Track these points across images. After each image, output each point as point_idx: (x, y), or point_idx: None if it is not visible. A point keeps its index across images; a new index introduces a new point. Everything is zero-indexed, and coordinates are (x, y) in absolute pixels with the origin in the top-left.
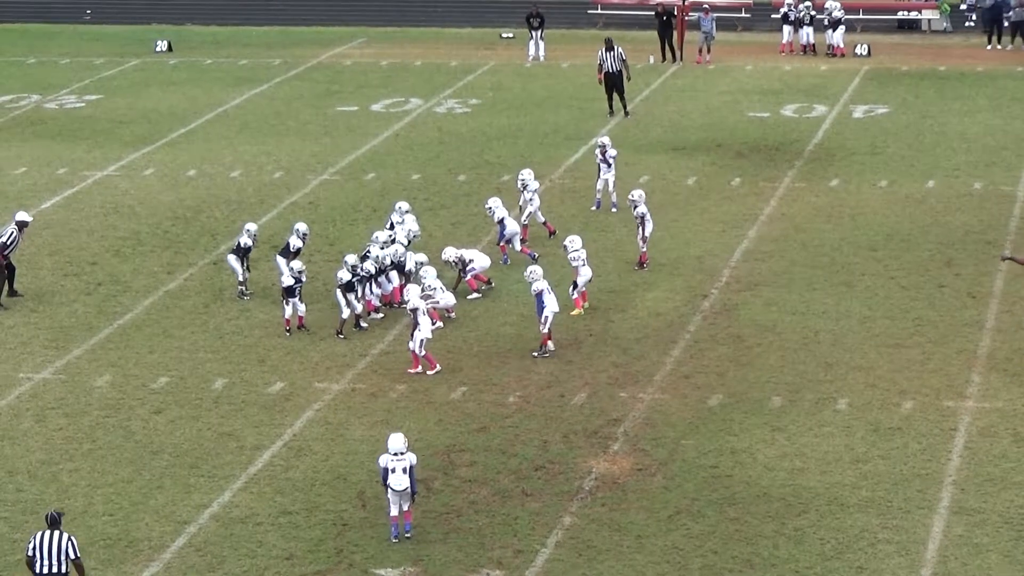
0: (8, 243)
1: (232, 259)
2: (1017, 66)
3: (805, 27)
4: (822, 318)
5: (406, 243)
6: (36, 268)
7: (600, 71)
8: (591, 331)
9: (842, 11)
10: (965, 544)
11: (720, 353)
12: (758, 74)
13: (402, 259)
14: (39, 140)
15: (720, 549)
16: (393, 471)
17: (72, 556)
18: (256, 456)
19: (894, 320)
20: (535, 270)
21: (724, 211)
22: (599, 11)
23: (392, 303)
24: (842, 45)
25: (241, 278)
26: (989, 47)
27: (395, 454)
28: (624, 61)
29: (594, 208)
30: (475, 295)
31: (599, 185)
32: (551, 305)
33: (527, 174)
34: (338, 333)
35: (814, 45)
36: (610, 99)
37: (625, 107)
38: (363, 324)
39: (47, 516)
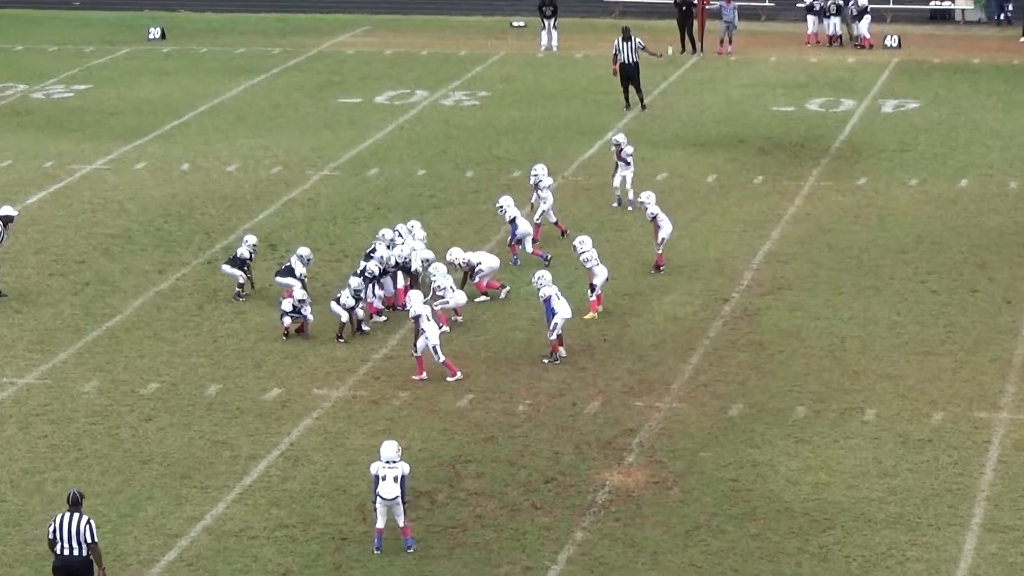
0: None
1: (227, 268)
2: None
3: (831, 17)
4: (849, 324)
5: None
6: (20, 267)
7: (615, 62)
8: (605, 336)
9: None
10: (999, 563)
11: (741, 360)
12: (782, 66)
13: (408, 260)
14: (25, 132)
15: (740, 567)
16: (384, 479)
17: (89, 540)
18: (251, 466)
19: (924, 326)
20: (543, 275)
21: (746, 211)
22: None
23: (395, 306)
24: (869, 36)
25: (241, 280)
26: None
27: (387, 462)
28: (644, 48)
29: (615, 205)
30: (483, 298)
31: (616, 182)
32: (562, 311)
33: (541, 170)
34: (338, 337)
35: (840, 36)
36: (626, 92)
37: (642, 100)
38: (365, 328)
39: (69, 496)
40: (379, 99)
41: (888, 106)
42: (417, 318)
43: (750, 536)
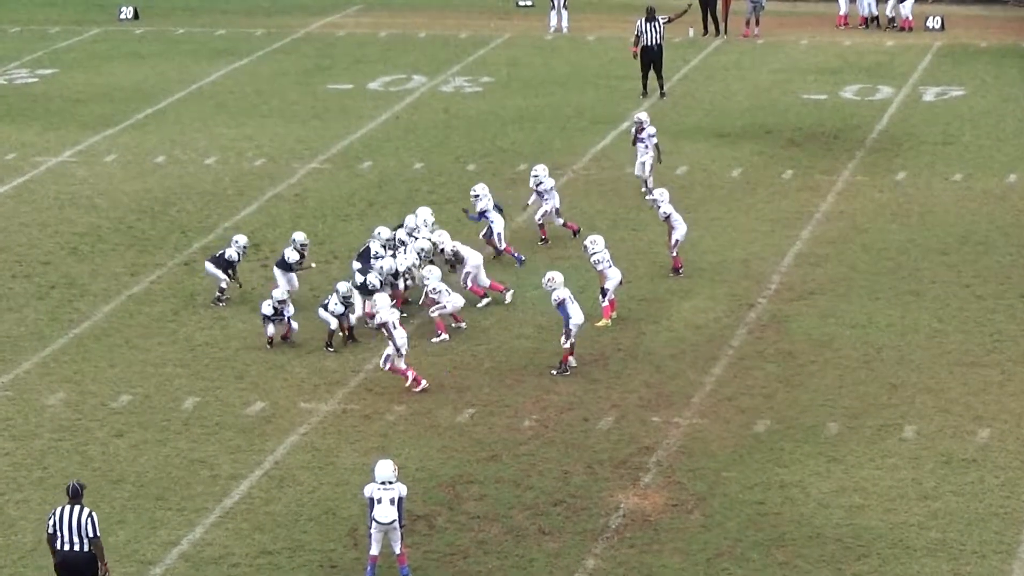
0: None
1: (210, 267)
2: None
3: None
4: (886, 332)
5: (417, 259)
6: None
7: (636, 44)
8: (620, 345)
9: None
10: None
11: (768, 372)
12: (814, 50)
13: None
14: None
15: None
16: (379, 501)
17: (91, 534)
18: (232, 487)
19: (969, 335)
20: (554, 276)
21: (774, 208)
22: None
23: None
24: (911, 17)
25: (224, 284)
26: None
27: (383, 483)
28: (669, 20)
29: (644, 191)
30: (485, 301)
31: (637, 171)
32: (576, 316)
33: (541, 171)
34: (327, 346)
35: (876, 18)
36: (645, 77)
37: (662, 87)
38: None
39: (68, 488)
40: (372, 85)
41: (930, 94)
42: (383, 326)
43: (777, 564)
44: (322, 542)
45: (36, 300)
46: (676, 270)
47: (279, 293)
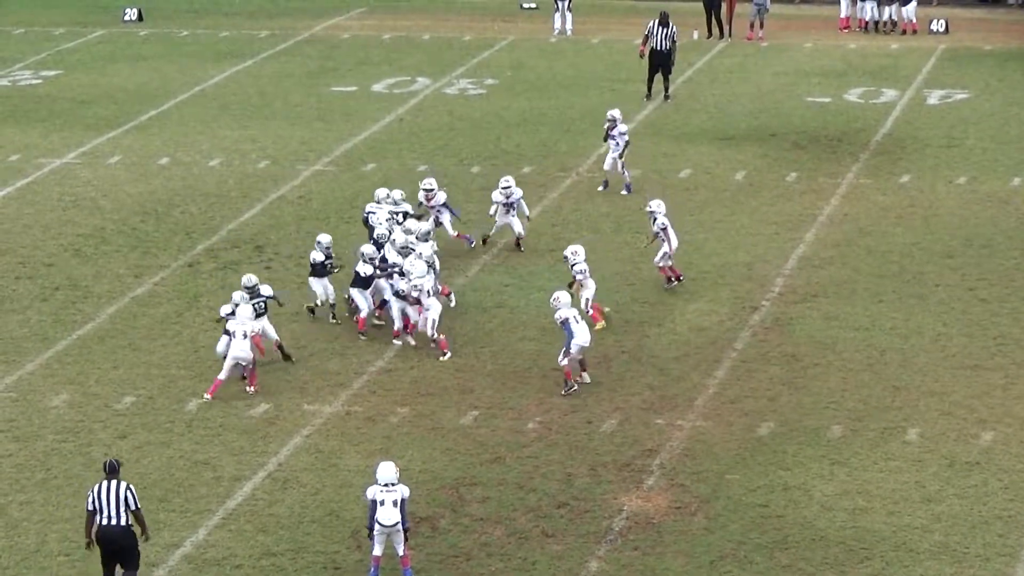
0: None
1: (314, 282)
2: None
3: (864, 1)
4: (890, 335)
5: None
6: None
7: (644, 43)
8: (623, 348)
9: None
10: None
11: (772, 375)
12: (818, 53)
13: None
14: None
15: None
16: (382, 503)
17: (132, 506)
18: (235, 488)
19: (973, 338)
20: (559, 296)
21: (778, 211)
22: None
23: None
24: (915, 20)
25: (320, 300)
26: None
27: (385, 485)
28: (674, 41)
29: (600, 188)
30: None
31: (607, 165)
32: (580, 336)
33: (517, 192)
34: (360, 334)
35: (876, 23)
36: (651, 80)
37: (667, 89)
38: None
39: (105, 464)
40: (376, 87)
41: (934, 97)
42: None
43: (781, 567)
44: (325, 544)
45: (40, 302)
46: (670, 280)
47: (265, 290)
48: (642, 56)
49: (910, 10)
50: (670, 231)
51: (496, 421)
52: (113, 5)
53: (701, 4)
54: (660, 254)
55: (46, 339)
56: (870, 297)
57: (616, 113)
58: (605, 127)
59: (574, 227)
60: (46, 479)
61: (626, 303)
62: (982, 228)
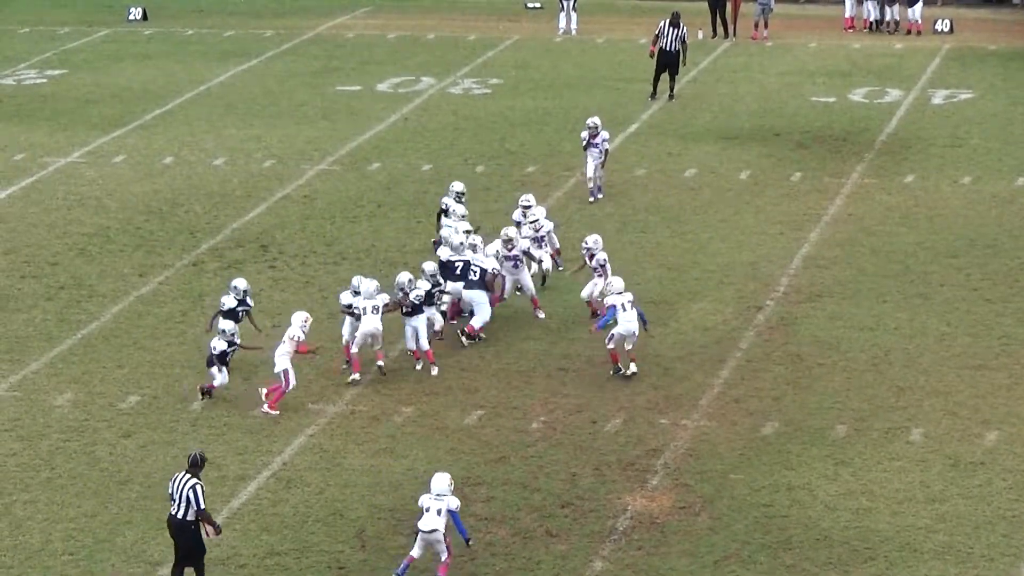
0: None
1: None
2: None
3: (869, 1)
4: (894, 335)
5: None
6: None
7: (654, 43)
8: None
9: None
10: None
11: (776, 374)
12: (823, 53)
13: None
14: None
15: None
16: (427, 510)
17: (195, 506)
18: (240, 488)
19: (977, 338)
20: (614, 281)
21: (782, 210)
22: None
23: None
24: (920, 20)
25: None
26: None
27: (437, 495)
28: (684, 43)
29: (591, 200)
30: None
31: (589, 172)
32: (624, 325)
33: (539, 211)
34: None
35: (878, 22)
36: (657, 79)
37: (672, 88)
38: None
39: (189, 456)
40: (381, 87)
41: (938, 97)
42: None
43: (785, 567)
44: (330, 543)
45: (44, 301)
46: (595, 314)
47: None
48: (652, 56)
49: (916, 11)
50: (608, 268)
51: (500, 421)
52: (118, 4)
53: (706, 4)
54: (590, 287)
55: (51, 338)
56: (874, 297)
57: (597, 120)
58: (585, 135)
59: (578, 227)
60: (51, 478)
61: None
62: (987, 228)
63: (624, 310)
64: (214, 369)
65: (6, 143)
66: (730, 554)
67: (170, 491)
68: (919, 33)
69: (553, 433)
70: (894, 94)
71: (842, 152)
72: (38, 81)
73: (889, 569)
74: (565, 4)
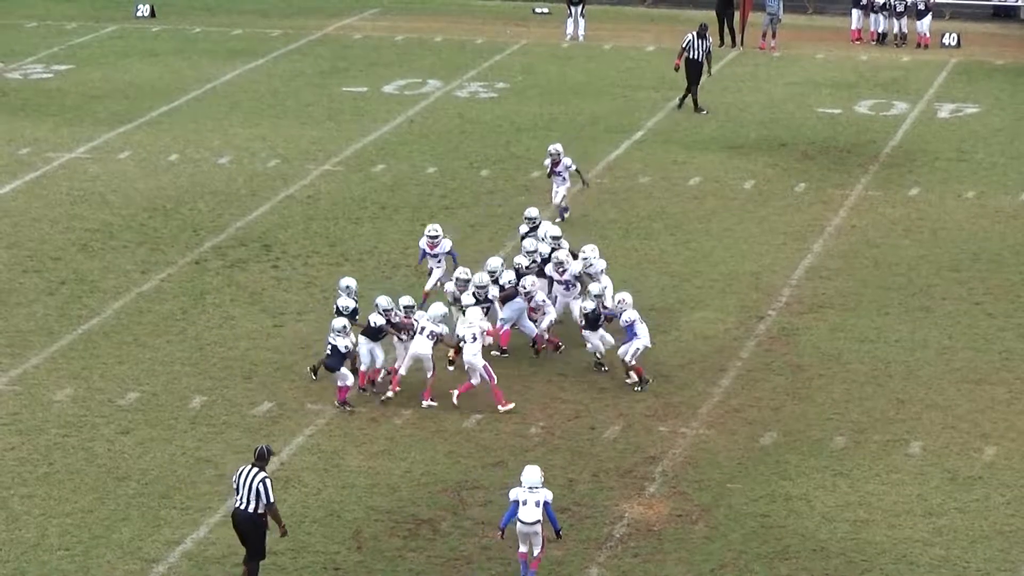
0: None
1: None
2: None
3: (878, 13)
4: (895, 347)
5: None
6: None
7: (680, 56)
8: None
9: None
10: None
11: (776, 384)
12: (830, 64)
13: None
14: None
15: None
16: (524, 503)
17: (264, 499)
18: None
19: (978, 352)
20: (625, 298)
21: (786, 221)
22: None
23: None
24: (928, 34)
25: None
26: None
27: (530, 488)
28: (709, 53)
29: (558, 221)
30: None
31: (556, 199)
32: (644, 338)
33: (590, 251)
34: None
35: (884, 35)
36: (691, 92)
37: (684, 100)
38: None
39: (256, 449)
40: (387, 89)
41: (945, 110)
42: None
43: None
44: (326, 544)
45: (46, 295)
46: (556, 348)
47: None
48: (676, 69)
49: (925, 24)
50: (600, 276)
51: (499, 425)
52: (126, 1)
53: (714, 12)
54: (547, 324)
55: (51, 333)
56: (876, 309)
57: (559, 147)
58: (547, 163)
59: (582, 233)
60: (48, 473)
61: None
62: (990, 243)
63: (642, 323)
64: (344, 370)
65: (11, 137)
66: (726, 563)
67: (235, 485)
68: (927, 46)
69: (551, 438)
70: (900, 107)
71: (847, 164)
72: (44, 76)
73: None
74: (573, 10)
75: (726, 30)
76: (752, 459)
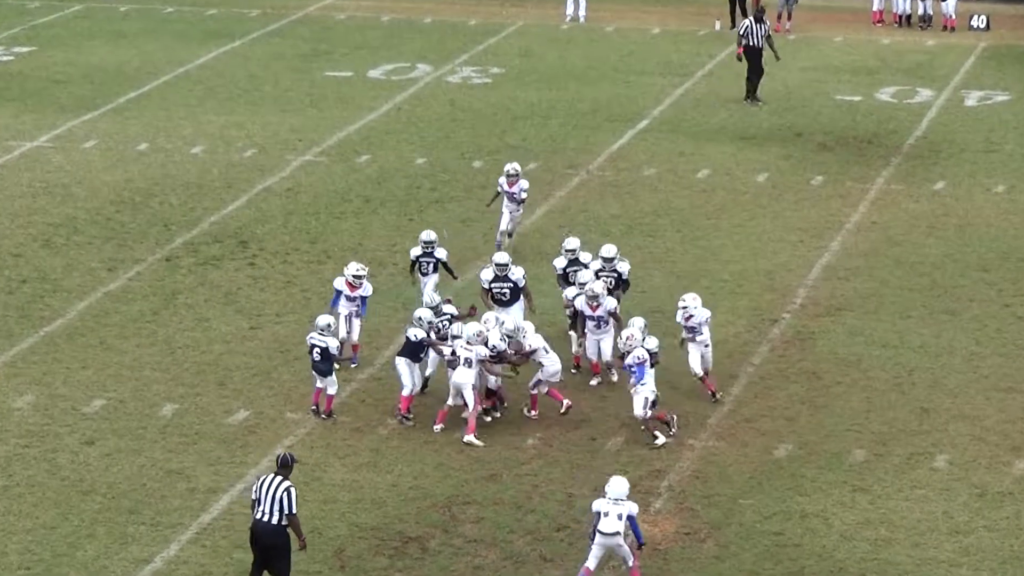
0: None
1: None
2: None
3: None
4: (918, 353)
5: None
6: None
7: (740, 45)
8: None
9: None
10: None
11: (791, 392)
12: (849, 48)
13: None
14: None
15: None
16: (606, 515)
17: (287, 510)
18: (210, 501)
19: (1008, 358)
20: (633, 335)
21: (801, 216)
22: None
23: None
24: (954, 15)
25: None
26: None
27: (615, 500)
28: (770, 38)
29: (508, 241)
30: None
31: (503, 225)
32: (650, 383)
33: (691, 300)
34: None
35: (908, 16)
36: (750, 79)
37: (755, 89)
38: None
39: (278, 457)
40: (373, 73)
41: (972, 98)
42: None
43: None
44: (307, 563)
45: (5, 295)
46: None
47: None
48: (739, 59)
49: (950, 5)
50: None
51: (493, 436)
52: None
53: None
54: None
55: (11, 335)
56: (898, 312)
57: (517, 166)
58: (502, 182)
59: (582, 229)
60: (7, 486)
61: (636, 313)
62: (1021, 240)
63: (651, 367)
64: (332, 376)
65: None
66: None
67: (255, 495)
68: (953, 29)
69: (549, 450)
70: (925, 94)
71: (867, 155)
72: (4, 58)
73: None
74: None
75: (738, 12)
76: (765, 473)
